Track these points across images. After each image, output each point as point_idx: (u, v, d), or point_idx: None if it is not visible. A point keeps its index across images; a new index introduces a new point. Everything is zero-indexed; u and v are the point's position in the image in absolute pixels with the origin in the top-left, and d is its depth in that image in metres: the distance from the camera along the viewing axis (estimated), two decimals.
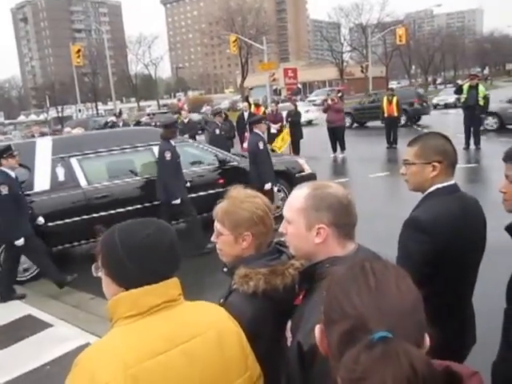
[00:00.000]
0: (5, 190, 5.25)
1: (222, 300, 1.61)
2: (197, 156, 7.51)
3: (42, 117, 60.18)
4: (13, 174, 5.52)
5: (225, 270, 1.69)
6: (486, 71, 78.64)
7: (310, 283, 1.38)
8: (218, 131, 11.71)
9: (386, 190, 8.21)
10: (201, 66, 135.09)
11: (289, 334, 1.41)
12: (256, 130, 7.27)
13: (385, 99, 15.21)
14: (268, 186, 7.01)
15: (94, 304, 4.98)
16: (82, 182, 6.55)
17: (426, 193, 2.00)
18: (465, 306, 1.91)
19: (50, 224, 6.06)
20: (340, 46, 61.22)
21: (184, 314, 1.27)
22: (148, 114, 13.72)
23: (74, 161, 6.64)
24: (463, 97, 12.96)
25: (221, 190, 6.88)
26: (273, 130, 13.20)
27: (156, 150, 6.85)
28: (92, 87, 65.21)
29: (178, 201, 6.41)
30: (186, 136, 13.26)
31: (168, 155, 6.37)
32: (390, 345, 0.70)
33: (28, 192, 6.10)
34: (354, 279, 0.80)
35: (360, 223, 1.47)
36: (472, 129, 12.83)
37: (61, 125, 33.67)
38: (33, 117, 65.16)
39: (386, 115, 15.00)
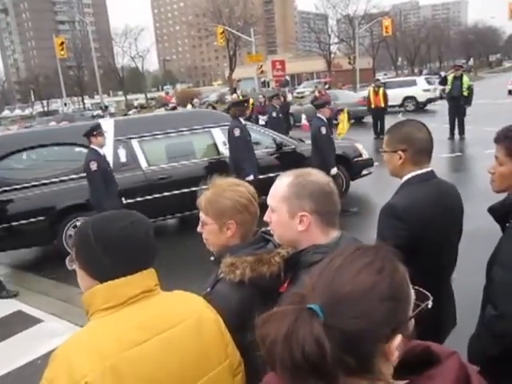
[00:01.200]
0: (94, 166, 5.53)
1: (208, 289, 1.62)
2: (254, 139, 7.36)
3: (27, 111, 59.44)
4: (101, 152, 5.78)
5: (212, 259, 1.70)
6: (471, 62, 79.12)
7: (295, 271, 1.41)
8: (275, 114, 11.68)
9: (373, 180, 8.29)
10: (188, 58, 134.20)
11: None
12: (319, 115, 7.17)
13: (371, 90, 15.28)
14: (334, 171, 6.86)
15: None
16: (143, 164, 6.74)
17: (403, 180, 2.05)
18: (440, 289, 1.95)
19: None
20: (327, 37, 61.00)
21: (162, 304, 1.28)
22: (136, 107, 13.56)
23: (134, 142, 6.79)
24: (448, 87, 13.09)
25: (278, 174, 6.66)
26: (261, 122, 13.23)
27: (215, 132, 7.06)
28: (78, 80, 64.39)
29: (251, 177, 6.38)
30: None
31: (237, 132, 6.42)
32: (301, 313, 0.74)
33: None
34: (331, 258, 0.83)
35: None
36: (456, 119, 12.96)
37: (46, 118, 33.26)
38: (18, 111, 64.31)
39: (372, 106, 15.09)
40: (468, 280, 2.72)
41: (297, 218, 1.41)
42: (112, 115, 10.47)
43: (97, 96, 52.26)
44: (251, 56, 32.92)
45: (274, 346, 0.73)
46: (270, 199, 1.49)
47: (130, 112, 12.92)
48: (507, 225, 1.77)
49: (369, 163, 8.14)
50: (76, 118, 25.40)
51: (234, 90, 35.81)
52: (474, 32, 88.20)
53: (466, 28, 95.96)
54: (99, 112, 13.04)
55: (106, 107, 13.39)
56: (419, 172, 2.01)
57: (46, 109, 55.25)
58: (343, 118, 11.48)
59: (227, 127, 6.93)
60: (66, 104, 34.90)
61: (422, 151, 2.01)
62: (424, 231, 1.92)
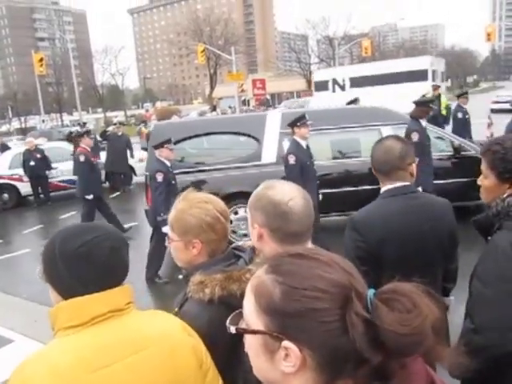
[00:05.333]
0: (292, 160, 5.52)
1: (176, 309, 1.56)
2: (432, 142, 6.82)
3: (4, 128, 58.48)
4: (303, 144, 5.73)
5: (180, 276, 1.67)
6: (449, 83, 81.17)
7: None
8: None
9: None
10: (169, 76, 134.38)
11: None
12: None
13: None
14: None
15: None
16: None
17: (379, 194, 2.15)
18: None
19: None
20: (308, 57, 62.01)
21: (132, 325, 1.19)
22: (115, 124, 13.44)
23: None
24: None
25: (458, 180, 6.38)
26: None
27: (384, 130, 6.55)
28: (56, 97, 63.81)
29: (420, 188, 5.97)
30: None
31: (415, 137, 5.86)
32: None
33: (255, 163, 6.66)
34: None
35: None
36: None
37: (24, 135, 32.78)
38: None
39: None
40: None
41: (254, 228, 1.44)
42: (89, 132, 10.36)
43: (75, 113, 51.84)
44: (232, 74, 33.11)
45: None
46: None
47: (109, 128, 12.74)
48: (489, 238, 1.76)
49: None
50: (53, 134, 25.06)
51: (213, 108, 35.88)
52: (452, 54, 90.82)
53: (443, 50, 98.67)
54: (77, 129, 12.90)
55: (85, 124, 13.28)
56: (389, 187, 2.08)
57: (23, 125, 54.40)
58: None
59: (398, 126, 6.56)
60: (43, 121, 34.44)
61: (376, 171, 2.12)
62: (384, 244, 1.95)
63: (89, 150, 8.21)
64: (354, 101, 9.81)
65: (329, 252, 0.83)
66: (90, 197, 7.82)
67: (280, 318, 0.75)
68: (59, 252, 1.17)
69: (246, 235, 6.61)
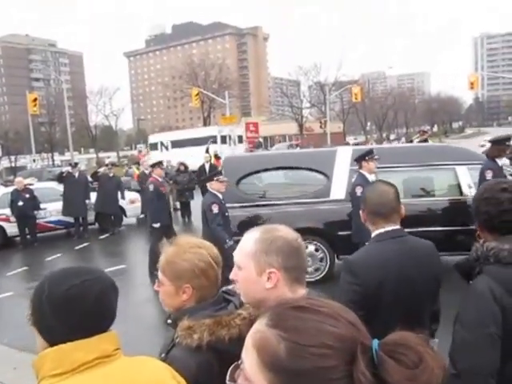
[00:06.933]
0: (359, 192, 5.26)
1: (163, 354, 1.52)
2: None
3: None
4: (369, 178, 5.54)
5: (169, 321, 1.60)
6: (435, 129, 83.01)
7: None
8: None
9: None
10: (163, 118, 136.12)
11: None
12: None
13: None
14: None
15: None
16: None
17: (372, 236, 2.17)
18: None
19: (339, 233, 6.34)
20: (300, 102, 63.18)
21: (120, 372, 1.15)
22: (106, 165, 13.27)
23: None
24: None
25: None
26: None
27: (459, 170, 6.37)
28: (49, 137, 63.91)
29: None
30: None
31: (489, 175, 5.61)
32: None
33: (324, 199, 6.54)
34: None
35: None
36: None
37: (13, 175, 32.49)
38: None
39: None
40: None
41: (265, 275, 1.38)
42: (81, 173, 10.29)
43: (67, 153, 51.79)
44: (225, 118, 33.48)
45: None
46: (237, 256, 1.46)
47: (101, 169, 12.49)
48: (470, 282, 1.77)
49: None
50: (44, 174, 24.80)
51: (206, 150, 36.01)
52: (437, 101, 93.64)
53: (429, 97, 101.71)
54: (68, 169, 12.74)
55: (76, 164, 13.14)
56: (382, 230, 2.11)
57: (13, 164, 54.15)
58: None
59: (474, 165, 6.36)
60: (34, 160, 34.24)
61: (373, 213, 2.14)
62: (380, 288, 1.97)
63: (159, 179, 8.64)
64: (425, 140, 9.83)
65: (329, 301, 0.82)
66: (157, 225, 8.01)
67: (285, 375, 0.72)
68: (47, 295, 1.15)
69: (317, 270, 6.64)
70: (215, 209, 5.75)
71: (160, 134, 31.62)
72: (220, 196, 5.98)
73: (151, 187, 8.28)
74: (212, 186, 5.97)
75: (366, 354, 0.72)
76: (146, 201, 9.27)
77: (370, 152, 5.70)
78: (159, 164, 8.91)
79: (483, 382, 1.56)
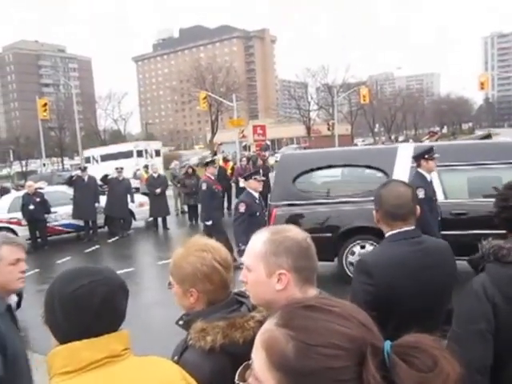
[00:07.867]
0: (421, 194, 5.11)
1: (175, 357, 1.50)
2: None
3: (4, 171, 58.68)
4: (429, 178, 5.46)
5: (180, 323, 1.58)
6: (445, 130, 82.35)
7: None
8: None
9: None
10: (171, 122, 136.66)
11: None
12: None
13: None
14: None
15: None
16: (440, 195, 6.05)
17: (385, 237, 2.15)
18: None
19: None
20: (307, 104, 63.19)
21: (128, 372, 1.15)
22: (116, 168, 13.37)
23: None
24: None
25: None
26: (241, 185, 13.09)
27: None
28: (58, 142, 64.45)
29: None
30: (158, 190, 12.93)
31: None
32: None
33: None
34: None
35: None
36: None
37: (24, 179, 32.80)
38: None
39: None
40: None
41: (275, 277, 1.37)
42: (214, 162, 10.32)
43: (77, 157, 52.12)
44: (233, 121, 33.50)
45: None
46: (246, 258, 1.45)
47: (110, 173, 12.61)
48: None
49: None
50: (54, 178, 25.03)
51: (214, 153, 35.98)
52: (447, 102, 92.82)
53: (439, 98, 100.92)
54: (78, 173, 12.88)
55: (85, 168, 13.29)
56: (396, 231, 2.09)
57: (24, 169, 54.61)
58: None
59: None
60: (44, 164, 34.53)
61: (390, 215, 2.10)
62: (392, 289, 1.95)
63: (212, 178, 8.79)
64: (488, 136, 9.64)
65: (341, 301, 0.80)
66: (210, 223, 8.11)
67: (294, 375, 0.70)
68: (57, 294, 1.17)
69: None
70: (242, 208, 5.80)
71: (90, 149, 34.40)
72: (256, 195, 6.00)
73: (204, 186, 8.32)
74: (249, 185, 6.02)
75: (376, 356, 0.70)
76: (199, 199, 9.27)
77: (429, 150, 5.47)
78: (212, 163, 8.94)
79: (470, 378, 1.55)
